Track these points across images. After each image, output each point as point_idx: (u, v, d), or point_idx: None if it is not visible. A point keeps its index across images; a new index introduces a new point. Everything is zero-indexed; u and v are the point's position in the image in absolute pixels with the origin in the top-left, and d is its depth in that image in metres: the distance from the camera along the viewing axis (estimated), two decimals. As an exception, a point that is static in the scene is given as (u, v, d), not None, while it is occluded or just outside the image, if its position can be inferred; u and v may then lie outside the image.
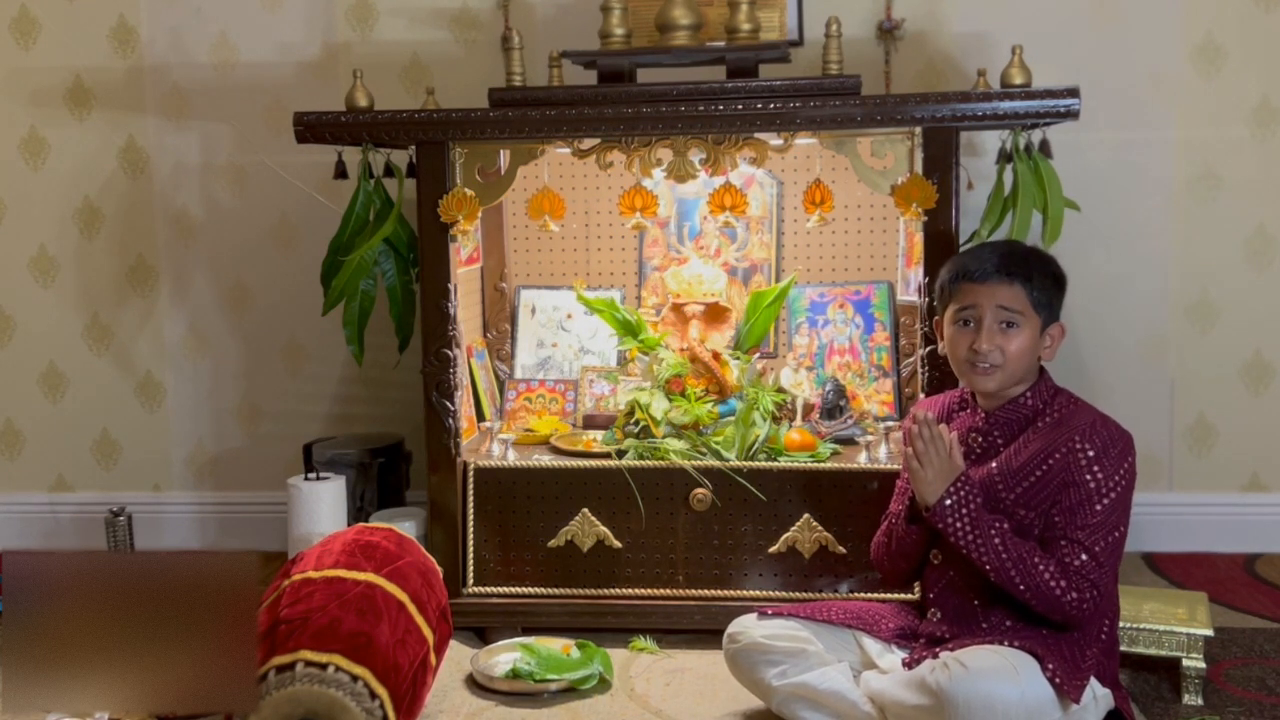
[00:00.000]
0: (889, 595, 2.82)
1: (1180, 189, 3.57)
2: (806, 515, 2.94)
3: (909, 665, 2.41)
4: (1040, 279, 2.46)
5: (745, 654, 2.51)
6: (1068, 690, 2.25)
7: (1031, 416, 2.47)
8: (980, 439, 2.51)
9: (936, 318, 2.61)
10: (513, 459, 3.07)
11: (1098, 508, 2.34)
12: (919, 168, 2.87)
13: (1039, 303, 2.45)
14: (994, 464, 2.46)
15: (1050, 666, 2.26)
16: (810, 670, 2.45)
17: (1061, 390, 2.51)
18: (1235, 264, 3.59)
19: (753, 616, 2.56)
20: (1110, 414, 2.45)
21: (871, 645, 2.51)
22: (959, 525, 2.37)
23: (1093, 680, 2.34)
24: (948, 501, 2.38)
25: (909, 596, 2.75)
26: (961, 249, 2.84)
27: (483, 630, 3.05)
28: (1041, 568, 2.33)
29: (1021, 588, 2.34)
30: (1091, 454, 2.36)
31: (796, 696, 2.45)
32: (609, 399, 3.31)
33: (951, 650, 2.34)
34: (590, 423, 3.29)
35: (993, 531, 2.36)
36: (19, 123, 3.80)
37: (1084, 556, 2.33)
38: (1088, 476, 2.36)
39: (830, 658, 2.49)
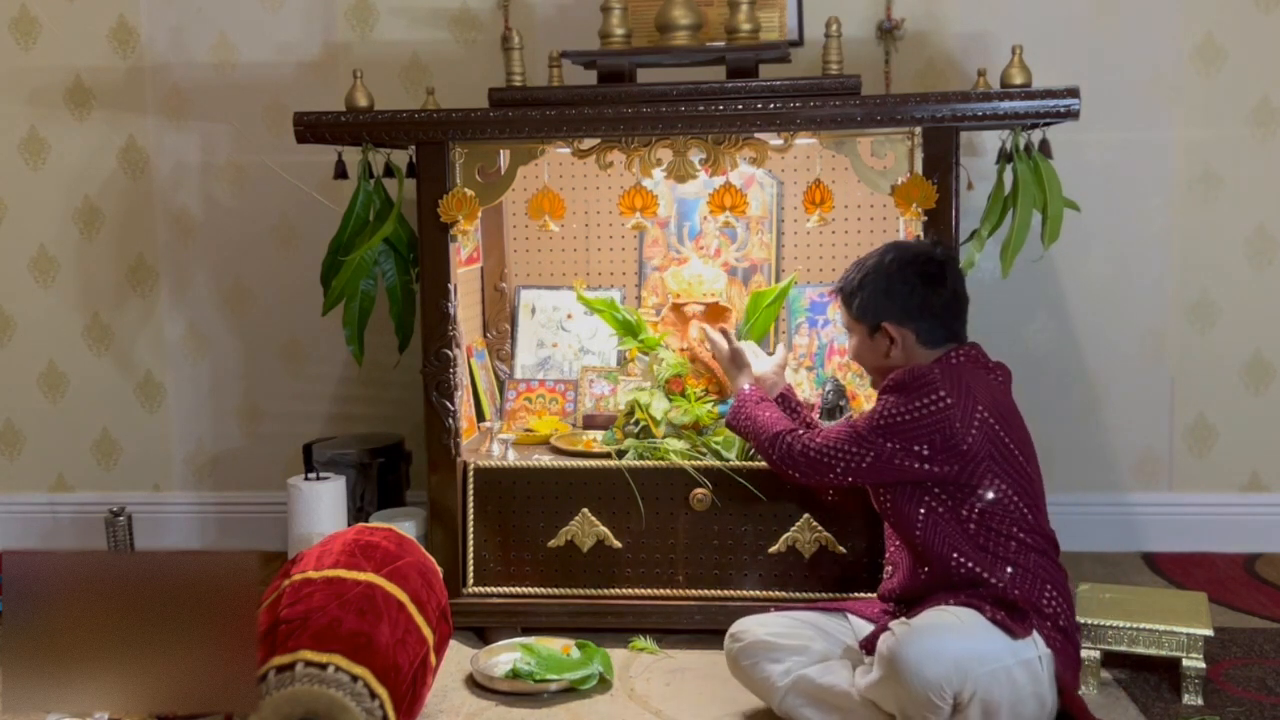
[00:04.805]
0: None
1: (1180, 189, 3.57)
2: (806, 515, 2.94)
3: (865, 646, 2.46)
4: (858, 293, 2.59)
5: (748, 651, 2.54)
6: (1012, 628, 2.32)
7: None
8: None
9: None
10: (513, 459, 3.07)
11: (869, 420, 2.50)
12: (919, 168, 2.87)
13: (861, 313, 2.60)
14: None
15: (988, 609, 2.34)
16: (812, 665, 2.49)
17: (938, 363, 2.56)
18: (1235, 264, 3.59)
19: (755, 617, 2.60)
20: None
21: (863, 629, 2.56)
22: (739, 405, 2.80)
23: (1036, 636, 2.37)
24: (746, 388, 2.84)
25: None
26: (962, 248, 2.84)
27: (483, 630, 3.05)
28: (772, 423, 2.70)
29: (749, 429, 2.73)
30: (890, 384, 2.51)
31: (799, 692, 2.48)
32: (609, 399, 3.31)
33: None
34: (590, 423, 3.29)
35: (756, 407, 2.76)
36: (19, 123, 3.80)
37: (820, 439, 2.57)
38: (881, 396, 2.53)
39: (832, 654, 2.53)
